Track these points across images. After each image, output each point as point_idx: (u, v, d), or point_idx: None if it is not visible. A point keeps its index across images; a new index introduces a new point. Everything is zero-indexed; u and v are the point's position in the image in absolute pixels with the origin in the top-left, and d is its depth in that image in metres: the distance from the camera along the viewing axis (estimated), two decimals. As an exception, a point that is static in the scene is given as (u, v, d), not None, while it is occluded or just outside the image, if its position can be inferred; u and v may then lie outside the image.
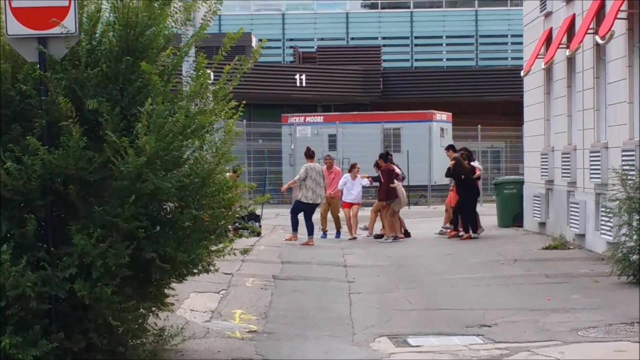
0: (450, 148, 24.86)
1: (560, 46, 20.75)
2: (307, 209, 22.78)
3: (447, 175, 24.35)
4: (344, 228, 24.41)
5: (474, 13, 51.08)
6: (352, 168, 24.85)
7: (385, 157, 24.00)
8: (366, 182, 24.88)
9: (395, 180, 23.39)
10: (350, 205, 24.38)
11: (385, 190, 23.20)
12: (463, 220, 23.27)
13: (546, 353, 10.16)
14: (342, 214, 24.62)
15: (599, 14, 18.19)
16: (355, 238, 23.72)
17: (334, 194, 24.23)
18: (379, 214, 24.07)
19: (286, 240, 22.91)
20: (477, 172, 23.64)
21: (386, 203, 23.27)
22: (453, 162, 23.36)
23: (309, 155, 23.44)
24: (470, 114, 41.57)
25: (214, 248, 9.54)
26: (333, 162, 25.24)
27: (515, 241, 22.10)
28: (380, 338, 11.32)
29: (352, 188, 24.38)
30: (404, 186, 24.29)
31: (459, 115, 41.01)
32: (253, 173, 36.47)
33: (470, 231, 22.90)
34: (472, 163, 23.62)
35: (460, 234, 23.22)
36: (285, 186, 24.11)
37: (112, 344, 9.01)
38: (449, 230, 23.78)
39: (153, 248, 8.84)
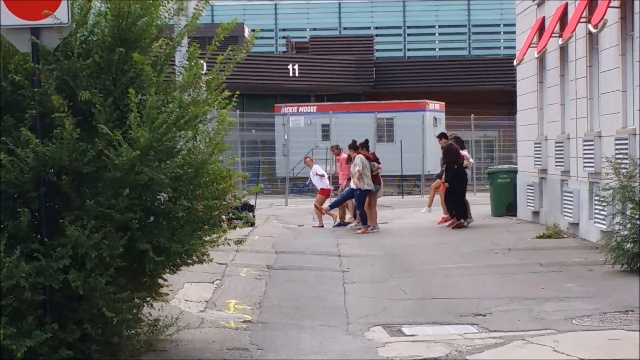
0: (442, 136, 24.84)
1: (553, 35, 20.73)
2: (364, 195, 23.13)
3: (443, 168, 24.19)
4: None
5: (466, 2, 50.97)
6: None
7: (354, 146, 23.70)
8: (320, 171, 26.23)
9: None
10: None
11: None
12: (453, 208, 23.34)
13: (541, 342, 10.16)
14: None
15: (592, 3, 18.18)
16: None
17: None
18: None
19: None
20: (466, 162, 23.86)
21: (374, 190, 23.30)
22: (445, 143, 23.49)
23: (356, 147, 23.47)
24: (463, 103, 41.57)
25: (207, 238, 9.53)
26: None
27: (509, 230, 22.12)
28: (375, 327, 11.32)
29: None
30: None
31: (452, 104, 41.02)
32: (246, 163, 36.45)
33: (461, 218, 23.00)
34: (462, 152, 23.78)
35: (447, 222, 23.44)
36: (355, 180, 23.28)
37: (106, 334, 9.00)
38: (450, 221, 23.59)
39: (147, 239, 8.83)
